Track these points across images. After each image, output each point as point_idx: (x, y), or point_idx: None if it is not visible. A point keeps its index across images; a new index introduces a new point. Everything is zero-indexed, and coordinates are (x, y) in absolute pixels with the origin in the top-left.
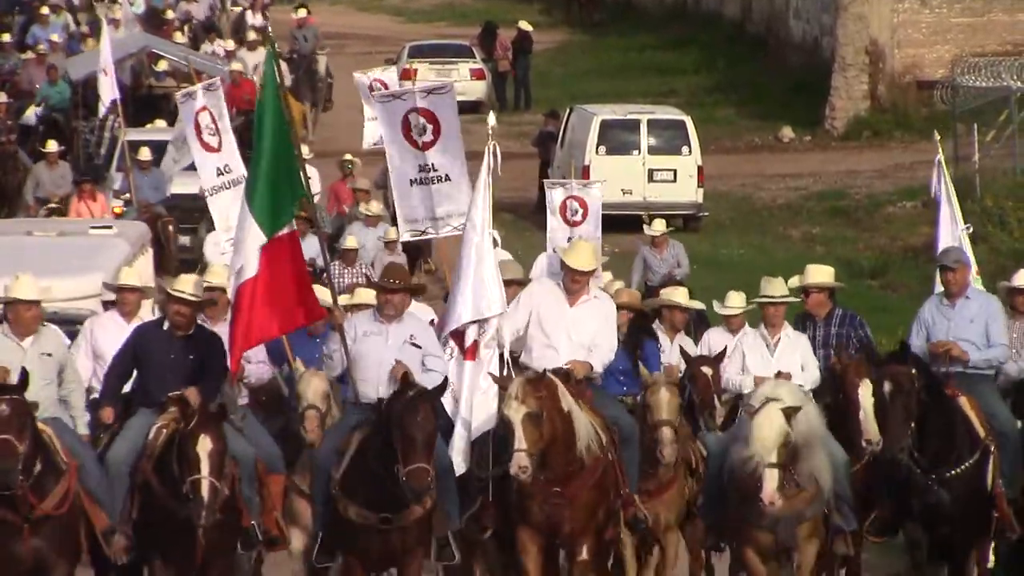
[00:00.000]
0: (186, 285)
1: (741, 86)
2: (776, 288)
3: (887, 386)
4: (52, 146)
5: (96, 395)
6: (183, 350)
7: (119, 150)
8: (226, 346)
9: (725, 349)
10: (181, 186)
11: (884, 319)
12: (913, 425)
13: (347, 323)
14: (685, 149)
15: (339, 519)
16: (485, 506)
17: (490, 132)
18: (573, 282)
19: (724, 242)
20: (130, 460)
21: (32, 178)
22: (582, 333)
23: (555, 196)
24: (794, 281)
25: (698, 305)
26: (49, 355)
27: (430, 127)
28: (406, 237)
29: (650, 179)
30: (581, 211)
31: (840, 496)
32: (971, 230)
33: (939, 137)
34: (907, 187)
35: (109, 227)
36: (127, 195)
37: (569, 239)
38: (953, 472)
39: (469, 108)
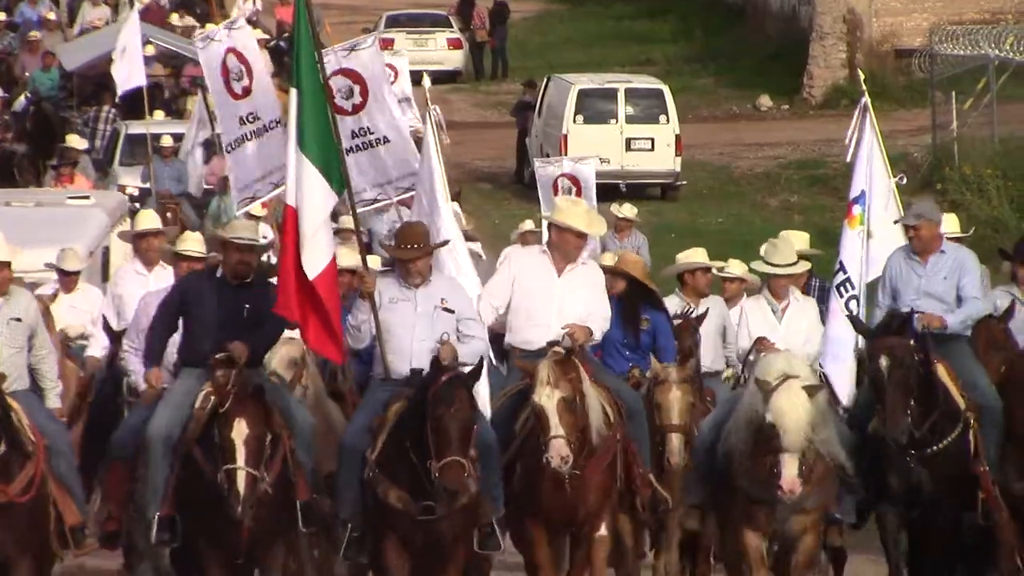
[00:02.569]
0: (244, 231)
1: (719, 55)
2: (783, 254)
3: (883, 361)
4: (74, 141)
5: (131, 353)
6: (236, 300)
7: (121, 143)
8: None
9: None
10: None
11: None
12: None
13: None
14: (663, 118)
15: (377, 504)
16: None
17: (427, 96)
18: (575, 248)
19: (702, 211)
20: (174, 434)
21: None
22: (574, 305)
23: (546, 175)
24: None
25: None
26: (18, 320)
27: (356, 88)
28: (360, 209)
29: (628, 148)
30: (574, 189)
31: (840, 481)
32: (904, 181)
33: (863, 76)
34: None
35: (87, 197)
36: (147, 184)
37: None
38: (934, 448)
39: (447, 78)
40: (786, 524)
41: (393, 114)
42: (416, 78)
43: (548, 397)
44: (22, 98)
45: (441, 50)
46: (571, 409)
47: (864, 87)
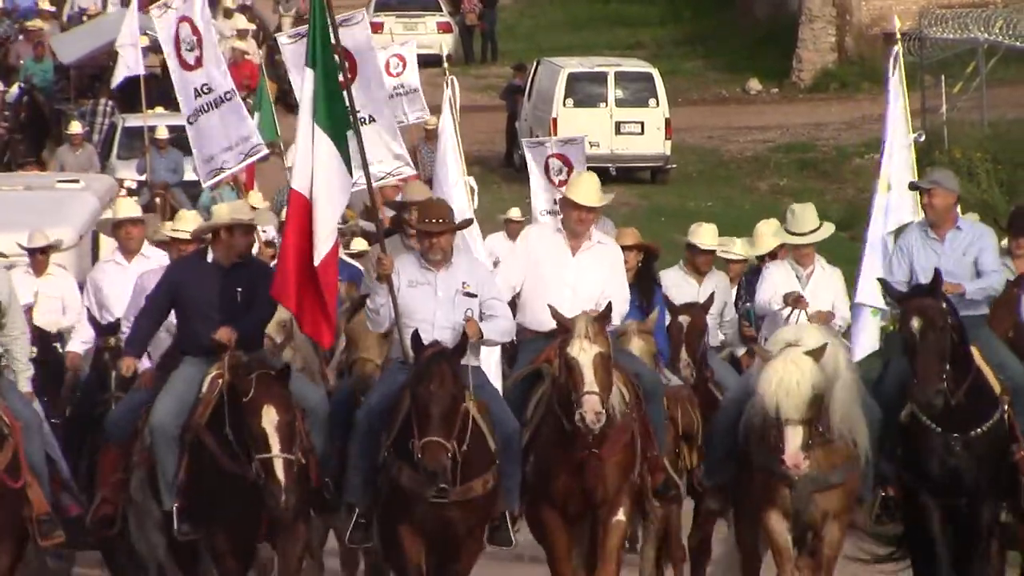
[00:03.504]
0: (245, 212)
1: (708, 38)
2: (804, 222)
3: (915, 322)
4: (75, 127)
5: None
6: (230, 283)
7: (119, 137)
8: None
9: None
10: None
11: (853, 270)
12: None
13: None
14: (652, 101)
15: (392, 488)
16: None
17: (446, 68)
18: (578, 222)
19: (691, 194)
20: (180, 421)
21: (56, 162)
22: (589, 285)
23: (535, 156)
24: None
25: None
26: None
27: (345, 64)
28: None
29: (617, 132)
30: (565, 169)
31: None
32: (923, 138)
33: (898, 24)
34: (875, 139)
35: (76, 181)
36: (143, 176)
37: (555, 201)
38: (979, 431)
39: (436, 61)
40: (808, 505)
41: (378, 94)
42: (434, 59)
43: (584, 351)
44: (15, 88)
45: (431, 34)
46: (606, 366)
47: (898, 36)
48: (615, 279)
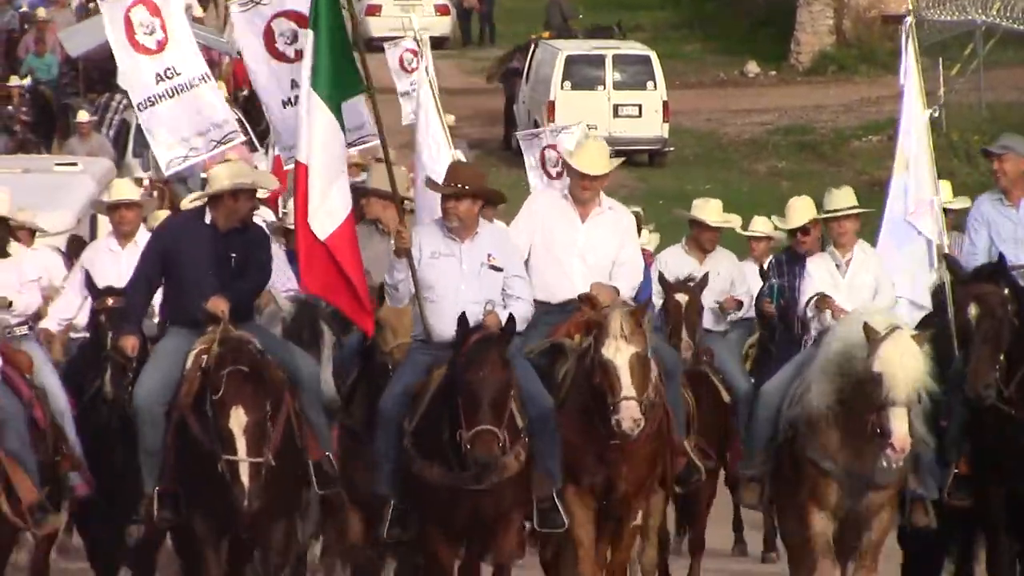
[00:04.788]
0: (243, 175)
1: (706, 21)
2: (841, 199)
3: (973, 309)
4: (83, 116)
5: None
6: (223, 246)
7: (133, 134)
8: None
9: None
10: None
11: None
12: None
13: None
14: (650, 84)
15: (414, 480)
16: None
17: (416, 37)
18: (583, 189)
19: (689, 177)
20: (165, 397)
21: (66, 153)
22: (599, 254)
23: (531, 149)
24: (797, 214)
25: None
26: None
27: (303, 32)
28: (288, 167)
29: (615, 114)
30: (561, 161)
31: (920, 454)
32: (937, 114)
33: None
34: (873, 121)
35: (74, 164)
36: (149, 173)
37: None
38: None
39: (435, 44)
40: (862, 501)
41: None
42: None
43: (620, 352)
44: (26, 81)
45: (429, 16)
46: (644, 367)
47: (911, 7)
48: (627, 247)
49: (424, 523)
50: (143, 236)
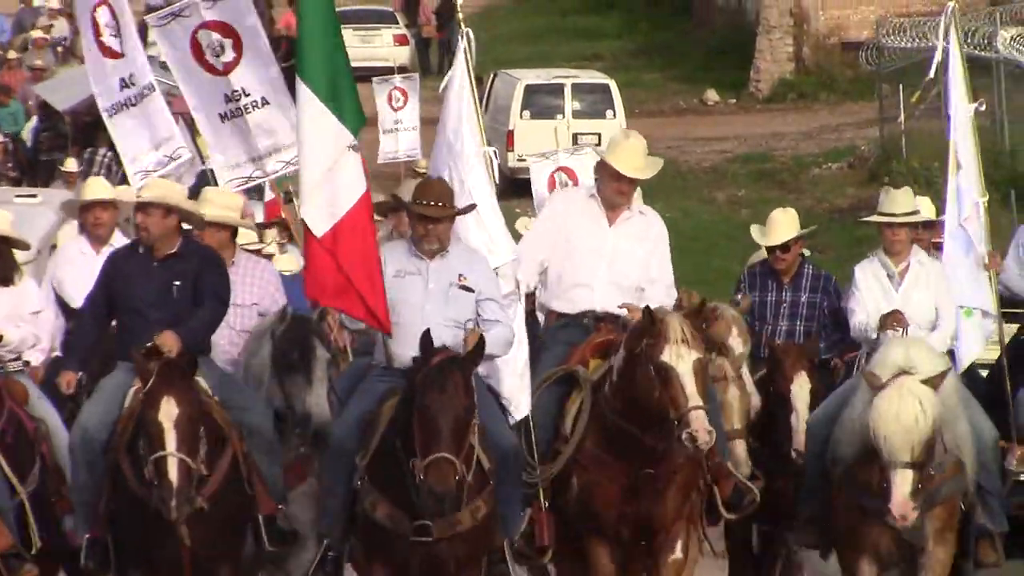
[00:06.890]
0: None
1: (665, 49)
2: (899, 203)
3: None
4: (71, 165)
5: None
6: (163, 276)
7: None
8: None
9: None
10: None
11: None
12: None
13: None
14: (610, 113)
15: (366, 521)
16: (538, 520)
17: (459, 17)
18: (617, 193)
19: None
20: (103, 435)
21: None
22: (626, 261)
23: (540, 172)
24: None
25: None
26: None
27: (228, 42)
28: (232, 188)
29: (575, 143)
30: (571, 183)
31: (985, 487)
32: (983, 107)
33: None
34: (833, 149)
35: (34, 196)
36: None
37: None
38: None
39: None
40: (915, 535)
41: (270, 72)
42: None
43: (682, 358)
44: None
45: (387, 46)
46: (707, 374)
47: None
48: (659, 259)
49: (376, 565)
50: (119, 240)
